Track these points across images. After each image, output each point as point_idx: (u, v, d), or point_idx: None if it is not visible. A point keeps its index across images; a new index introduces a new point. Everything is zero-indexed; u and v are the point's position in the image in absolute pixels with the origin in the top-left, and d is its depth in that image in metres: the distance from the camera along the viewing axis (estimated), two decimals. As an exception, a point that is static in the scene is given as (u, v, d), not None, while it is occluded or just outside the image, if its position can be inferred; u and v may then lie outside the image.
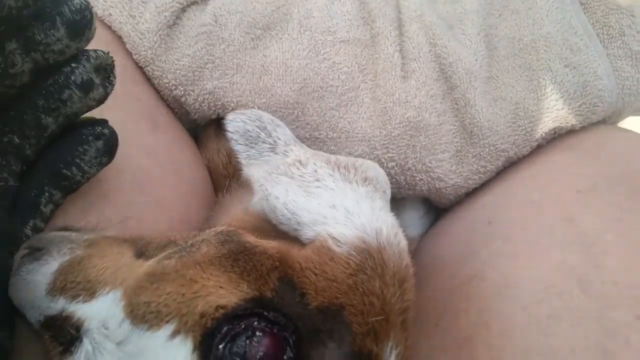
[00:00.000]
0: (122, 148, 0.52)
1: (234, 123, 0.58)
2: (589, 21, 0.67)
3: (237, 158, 0.56)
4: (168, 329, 0.37)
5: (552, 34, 0.67)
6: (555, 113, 0.65)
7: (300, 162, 0.52)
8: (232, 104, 0.64)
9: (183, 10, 0.64)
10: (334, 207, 0.46)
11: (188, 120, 0.69)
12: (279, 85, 0.64)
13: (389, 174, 0.59)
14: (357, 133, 0.66)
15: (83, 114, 0.47)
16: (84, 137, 0.46)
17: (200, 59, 0.64)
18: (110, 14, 0.64)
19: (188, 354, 0.36)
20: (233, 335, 0.36)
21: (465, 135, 0.66)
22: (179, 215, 0.56)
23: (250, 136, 0.56)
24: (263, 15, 0.65)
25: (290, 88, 0.64)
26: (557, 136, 0.67)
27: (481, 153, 0.67)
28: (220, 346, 0.36)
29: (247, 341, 0.36)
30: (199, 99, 0.65)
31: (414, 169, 0.66)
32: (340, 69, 0.65)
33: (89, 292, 0.41)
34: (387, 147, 0.66)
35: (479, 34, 0.67)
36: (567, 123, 0.66)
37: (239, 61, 0.64)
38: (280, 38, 0.65)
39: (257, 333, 0.36)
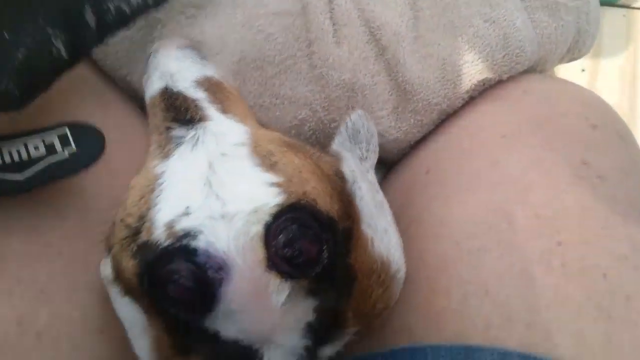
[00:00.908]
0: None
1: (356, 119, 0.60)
2: (506, -25, 0.71)
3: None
4: (273, 178, 0.40)
5: (471, -9, 0.70)
6: (480, 66, 0.69)
7: (369, 173, 0.56)
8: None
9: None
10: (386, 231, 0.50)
11: (139, 97, 0.70)
12: (218, 60, 0.66)
13: (333, 134, 0.62)
14: (299, 98, 0.69)
15: None
16: None
17: (139, 40, 0.66)
18: None
19: (269, 206, 0.38)
20: (301, 222, 0.38)
21: (400, 93, 0.70)
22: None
23: (358, 136, 0.58)
24: (193, -7, 0.67)
25: (230, 61, 0.67)
26: (488, 87, 0.71)
27: (416, 108, 0.70)
28: (287, 222, 0.38)
29: (303, 232, 0.38)
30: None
31: (355, 128, 0.70)
32: (276, 39, 0.68)
33: (226, 109, 0.46)
34: (327, 110, 0.69)
35: (403, -4, 0.71)
36: (494, 74, 0.69)
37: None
38: (215, 15, 0.68)
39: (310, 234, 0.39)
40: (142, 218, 0.40)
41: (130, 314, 0.44)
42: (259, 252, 0.37)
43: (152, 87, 0.50)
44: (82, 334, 0.49)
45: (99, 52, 0.66)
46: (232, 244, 0.37)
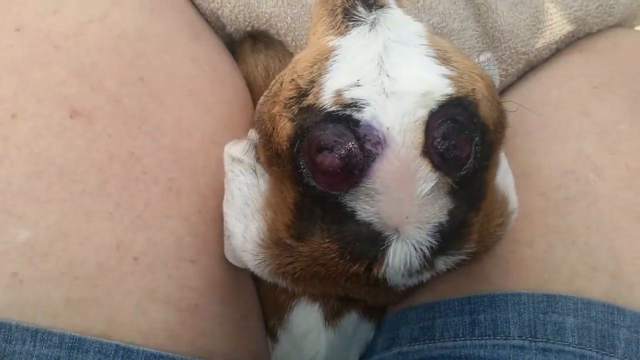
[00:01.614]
0: (170, 55, 0.56)
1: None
2: None
3: None
4: (446, 71, 0.40)
5: (567, -62, 0.68)
6: (573, 15, 0.67)
7: None
8: (265, 15, 0.66)
9: None
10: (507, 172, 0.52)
11: (224, 34, 0.71)
12: None
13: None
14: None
15: None
16: None
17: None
18: None
19: (439, 94, 0.38)
20: (463, 119, 0.39)
21: (487, 40, 0.69)
22: (223, 120, 0.59)
23: None
24: None
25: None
26: (575, 39, 0.70)
27: (502, 56, 0.69)
28: (450, 115, 0.39)
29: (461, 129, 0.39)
30: (234, 11, 0.67)
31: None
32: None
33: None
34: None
35: (497, -61, 0.69)
36: (585, 25, 0.68)
37: (272, -28, 0.66)
38: None
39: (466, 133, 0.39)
40: (313, 82, 0.40)
41: (250, 190, 0.47)
42: (419, 135, 0.37)
43: None
44: (175, 262, 0.51)
45: None
46: (397, 121, 0.37)
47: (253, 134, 0.49)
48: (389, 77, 0.39)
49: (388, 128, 0.37)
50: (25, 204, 0.44)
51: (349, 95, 0.38)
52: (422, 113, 0.38)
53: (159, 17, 0.57)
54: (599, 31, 0.70)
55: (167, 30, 0.57)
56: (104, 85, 0.50)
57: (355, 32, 0.43)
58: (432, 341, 0.55)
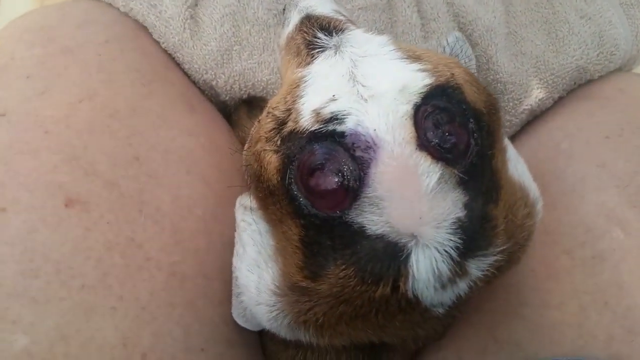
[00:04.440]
0: (165, 130, 0.53)
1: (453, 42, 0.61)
2: (602, -30, 0.69)
3: None
4: (420, 66, 0.40)
5: (565, -15, 0.68)
6: (574, 64, 0.66)
7: None
8: (262, 83, 0.64)
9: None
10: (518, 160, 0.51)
11: (218, 101, 0.69)
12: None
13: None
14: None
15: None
16: None
17: (227, 41, 0.64)
18: (132, 8, 0.63)
19: (418, 86, 0.38)
20: (451, 105, 0.38)
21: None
22: (223, 192, 0.56)
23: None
24: (284, -10, 0.65)
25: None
26: (577, 87, 0.69)
27: (506, 107, 0.68)
28: (436, 104, 0.38)
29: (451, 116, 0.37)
30: (229, 81, 0.65)
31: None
32: (362, 34, 0.66)
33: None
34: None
35: (495, -10, 0.68)
36: (586, 73, 0.67)
37: (264, 40, 0.65)
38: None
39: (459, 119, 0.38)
40: (289, 110, 0.40)
41: (262, 238, 0.44)
42: (409, 130, 0.36)
43: (291, 23, 0.50)
44: (184, 354, 0.47)
45: (186, 55, 0.64)
46: (382, 121, 0.36)
47: (246, 199, 0.48)
48: (364, 86, 0.39)
49: (375, 130, 0.36)
50: (21, 307, 0.40)
51: (328, 110, 0.38)
52: (406, 108, 0.37)
53: (152, 92, 0.54)
54: (600, 77, 0.69)
55: (160, 105, 0.54)
56: (98, 169, 0.46)
57: (321, 57, 0.44)
58: None
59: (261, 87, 0.65)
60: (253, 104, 0.68)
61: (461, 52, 0.58)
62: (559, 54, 0.67)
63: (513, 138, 0.70)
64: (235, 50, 0.64)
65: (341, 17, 0.48)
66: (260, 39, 0.65)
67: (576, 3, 0.67)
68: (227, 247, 0.51)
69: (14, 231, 0.42)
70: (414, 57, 0.41)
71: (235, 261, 0.49)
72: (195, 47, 0.64)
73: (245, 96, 0.67)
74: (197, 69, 0.65)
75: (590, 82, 0.69)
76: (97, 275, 0.43)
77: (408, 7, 0.66)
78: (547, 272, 0.52)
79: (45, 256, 0.42)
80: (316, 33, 0.45)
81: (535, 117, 0.70)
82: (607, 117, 0.62)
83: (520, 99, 0.67)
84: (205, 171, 0.55)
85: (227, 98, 0.67)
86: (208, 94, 0.68)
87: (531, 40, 0.67)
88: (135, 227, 0.47)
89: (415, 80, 0.38)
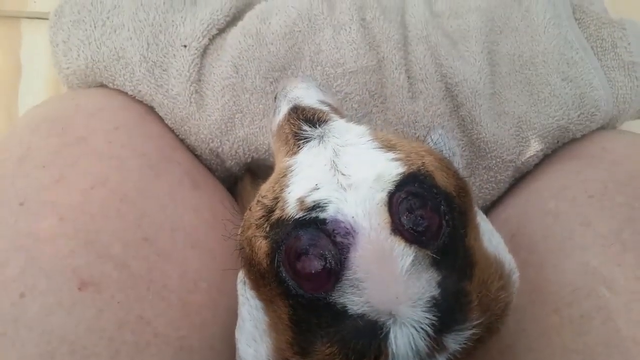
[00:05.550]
0: (172, 209, 0.56)
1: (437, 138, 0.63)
2: (583, 35, 0.72)
3: None
4: (393, 155, 0.43)
5: (549, 49, 0.71)
6: (556, 124, 0.69)
7: None
8: (264, 146, 0.67)
9: (203, 66, 0.68)
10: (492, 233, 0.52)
11: (224, 168, 0.72)
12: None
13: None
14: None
15: None
16: None
17: (229, 110, 0.67)
18: (140, 90, 0.67)
19: (392, 175, 0.41)
20: (423, 192, 0.41)
21: (474, 149, 0.70)
22: (226, 263, 0.57)
23: None
24: (277, 57, 0.69)
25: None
26: (561, 145, 0.71)
27: (490, 165, 0.70)
28: (409, 191, 0.40)
29: (424, 201, 0.40)
30: (234, 147, 0.68)
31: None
32: (352, 98, 0.69)
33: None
34: (403, 167, 0.70)
35: (482, 51, 0.71)
36: (568, 132, 0.70)
37: (263, 106, 0.68)
38: (296, 77, 0.68)
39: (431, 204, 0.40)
40: (277, 199, 0.43)
41: (255, 313, 0.46)
42: (384, 216, 0.39)
43: (281, 112, 0.54)
44: None
45: (193, 127, 0.67)
46: (359, 209, 0.39)
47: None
48: (344, 175, 0.42)
49: (353, 217, 0.39)
50: None
51: (311, 199, 0.41)
52: (381, 196, 0.40)
53: (159, 174, 0.57)
54: (584, 135, 0.71)
55: (167, 185, 0.57)
56: (110, 252, 0.48)
57: (306, 147, 0.47)
58: None
59: (263, 150, 0.68)
60: (255, 173, 0.71)
61: (444, 146, 0.61)
62: (541, 114, 0.69)
63: (506, 197, 0.73)
64: (237, 117, 0.67)
65: (325, 108, 0.52)
66: (260, 105, 0.68)
67: (559, 66, 0.70)
68: (233, 317, 0.52)
69: (33, 315, 0.43)
70: (388, 147, 0.45)
71: (237, 333, 0.51)
72: (201, 119, 0.67)
73: (249, 160, 0.70)
74: (204, 139, 0.68)
75: (575, 140, 0.71)
76: (110, 353, 0.45)
77: (396, 68, 0.69)
78: (539, 330, 0.53)
79: (61, 338, 0.43)
80: (301, 125, 0.49)
81: (523, 177, 0.73)
82: (591, 176, 0.64)
83: (503, 156, 0.70)
84: (210, 245, 0.57)
85: (232, 163, 0.70)
86: (214, 162, 0.71)
87: (514, 100, 0.70)
88: (144, 305, 0.48)
89: (389, 169, 0.41)
